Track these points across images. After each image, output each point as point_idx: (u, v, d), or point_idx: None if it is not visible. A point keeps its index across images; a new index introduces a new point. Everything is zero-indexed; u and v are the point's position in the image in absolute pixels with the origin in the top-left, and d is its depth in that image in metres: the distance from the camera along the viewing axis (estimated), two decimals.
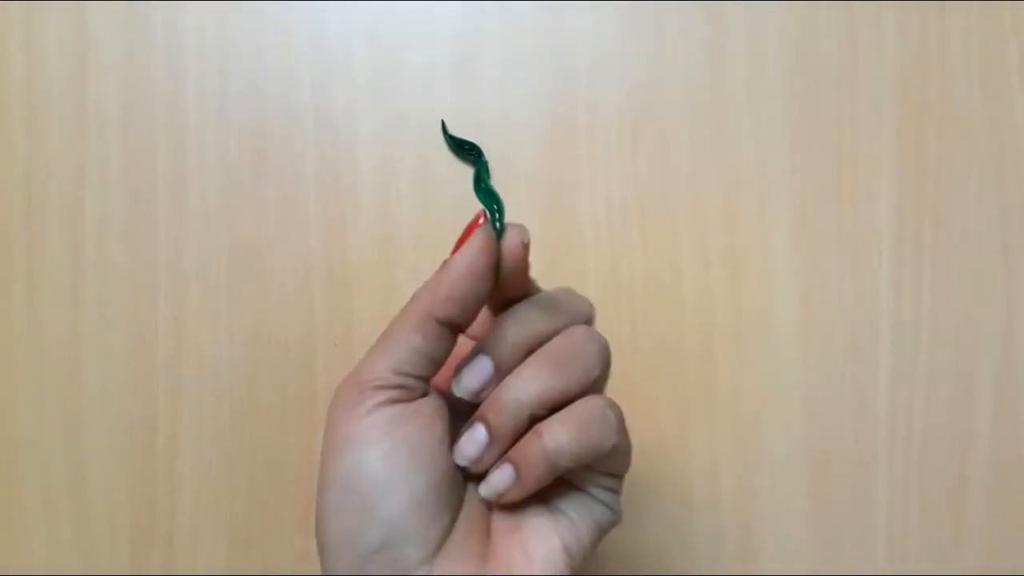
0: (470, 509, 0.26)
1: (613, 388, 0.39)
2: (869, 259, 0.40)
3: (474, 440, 0.25)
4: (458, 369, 0.26)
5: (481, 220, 0.26)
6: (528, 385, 0.25)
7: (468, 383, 0.26)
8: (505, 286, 0.26)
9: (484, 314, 0.28)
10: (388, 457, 0.24)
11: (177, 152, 0.40)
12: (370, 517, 0.24)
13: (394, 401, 0.25)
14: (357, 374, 0.26)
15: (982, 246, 0.41)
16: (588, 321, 0.28)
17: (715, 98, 0.40)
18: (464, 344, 0.27)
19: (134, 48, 0.40)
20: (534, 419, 0.25)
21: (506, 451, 0.26)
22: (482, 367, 0.26)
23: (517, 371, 0.25)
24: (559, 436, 0.25)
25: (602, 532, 0.27)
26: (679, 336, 0.40)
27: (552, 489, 0.27)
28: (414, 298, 0.26)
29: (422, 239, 0.40)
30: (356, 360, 0.38)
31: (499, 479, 0.25)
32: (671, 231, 0.40)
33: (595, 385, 0.26)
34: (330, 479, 0.24)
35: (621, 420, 0.26)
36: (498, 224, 0.26)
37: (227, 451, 0.39)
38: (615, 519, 0.28)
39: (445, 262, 0.25)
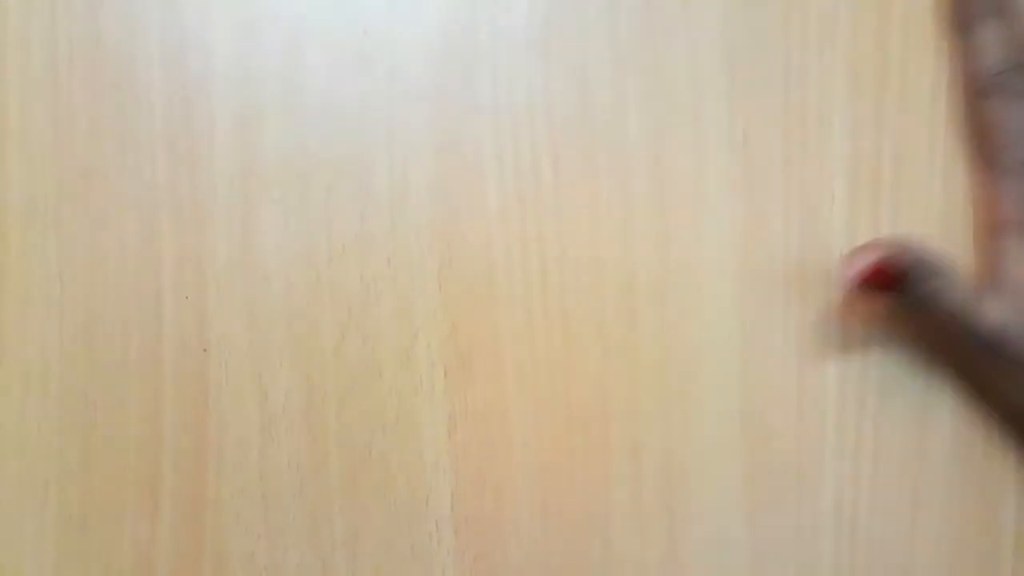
0: None
1: (522, 357, 0.34)
2: (821, 208, 0.35)
3: None
4: None
5: None
6: None
7: None
8: None
9: None
10: None
11: None
12: None
13: None
14: None
15: (947, 187, 0.36)
16: None
17: (645, 22, 0.35)
18: None
19: None
20: None
21: None
22: None
23: None
24: None
25: None
26: (595, 293, 0.35)
27: None
28: None
29: (290, 171, 0.34)
30: (210, 316, 0.33)
31: None
32: (591, 168, 0.35)
33: None
34: None
35: None
36: None
37: (57, 422, 0.33)
38: None
39: None
